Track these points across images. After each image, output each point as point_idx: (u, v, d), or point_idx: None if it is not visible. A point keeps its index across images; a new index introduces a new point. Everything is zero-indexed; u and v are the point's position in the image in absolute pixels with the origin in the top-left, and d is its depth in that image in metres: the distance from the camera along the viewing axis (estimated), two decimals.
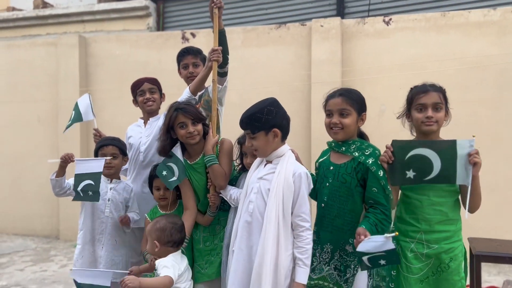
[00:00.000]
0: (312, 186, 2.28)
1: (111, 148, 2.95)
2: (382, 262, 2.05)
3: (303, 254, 2.16)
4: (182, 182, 2.66)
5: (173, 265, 2.31)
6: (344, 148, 2.28)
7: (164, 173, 2.64)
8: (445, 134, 2.29)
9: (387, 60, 5.11)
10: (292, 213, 2.18)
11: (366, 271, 2.23)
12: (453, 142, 2.09)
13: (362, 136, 2.40)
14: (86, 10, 7.06)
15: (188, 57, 3.11)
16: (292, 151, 2.55)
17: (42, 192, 6.21)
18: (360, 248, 2.01)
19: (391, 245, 1.99)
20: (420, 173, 2.12)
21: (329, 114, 2.32)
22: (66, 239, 6.08)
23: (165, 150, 2.68)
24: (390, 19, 5.19)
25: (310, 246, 2.18)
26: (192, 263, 2.72)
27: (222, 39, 2.83)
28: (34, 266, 4.97)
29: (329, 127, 2.31)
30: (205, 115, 2.97)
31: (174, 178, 2.62)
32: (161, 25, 7.07)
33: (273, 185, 2.20)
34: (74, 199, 2.80)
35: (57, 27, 7.24)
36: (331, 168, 2.31)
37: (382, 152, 2.23)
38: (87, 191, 2.75)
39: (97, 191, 2.76)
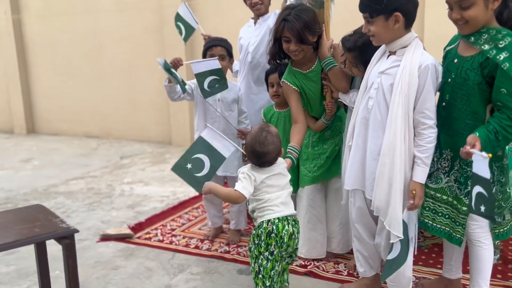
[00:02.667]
0: (440, 79, 2.06)
1: (220, 49, 3.00)
2: (482, 208, 1.70)
3: (423, 153, 2.02)
4: (290, 95, 2.54)
5: (246, 177, 2.11)
6: (473, 38, 1.91)
7: (189, 166, 2.27)
8: None
9: None
10: (414, 109, 2.01)
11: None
12: None
13: (506, 3, 1.93)
14: None
15: None
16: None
17: (154, 101, 6.64)
18: (474, 167, 1.68)
19: (484, 171, 1.63)
20: None
21: (449, 6, 1.94)
22: (177, 145, 6.52)
23: (274, 58, 2.61)
24: None
25: (432, 145, 2.03)
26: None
27: None
28: (153, 167, 5.45)
29: (453, 22, 1.97)
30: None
31: (203, 173, 2.28)
32: None
33: (397, 81, 2.00)
34: (205, 97, 2.83)
35: None
36: (455, 60, 2.00)
37: None
38: (214, 86, 2.78)
39: (224, 81, 2.80)
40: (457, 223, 2.08)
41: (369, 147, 2.16)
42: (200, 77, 2.74)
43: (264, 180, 2.14)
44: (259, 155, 2.12)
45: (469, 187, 1.98)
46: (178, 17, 3.41)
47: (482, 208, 1.73)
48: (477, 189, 1.71)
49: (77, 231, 2.01)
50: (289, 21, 2.41)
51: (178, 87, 2.94)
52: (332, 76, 2.48)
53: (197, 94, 3.06)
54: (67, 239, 1.94)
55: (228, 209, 3.48)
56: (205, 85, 2.77)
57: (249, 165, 2.20)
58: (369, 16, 2.03)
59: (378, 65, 2.16)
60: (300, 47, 2.44)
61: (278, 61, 2.64)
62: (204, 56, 3.04)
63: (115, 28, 6.83)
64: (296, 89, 2.58)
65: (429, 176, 2.12)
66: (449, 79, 2.03)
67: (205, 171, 2.30)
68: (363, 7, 2.05)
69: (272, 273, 2.14)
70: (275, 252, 2.13)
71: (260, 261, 2.14)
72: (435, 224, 2.17)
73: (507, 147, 2.07)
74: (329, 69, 2.48)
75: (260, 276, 2.14)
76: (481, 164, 1.66)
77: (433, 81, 2.02)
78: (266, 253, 2.13)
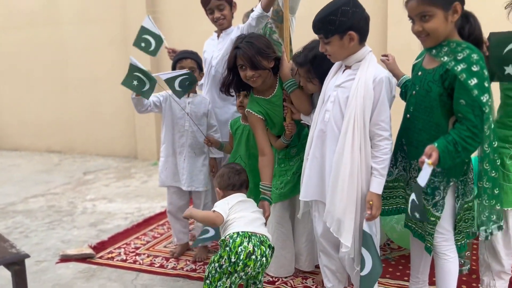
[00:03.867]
0: (394, 93, 2.10)
1: (190, 61, 2.97)
2: (417, 215, 1.86)
3: (379, 164, 2.05)
4: (256, 125, 2.54)
5: (221, 203, 2.27)
6: (434, 51, 1.94)
7: (134, 83, 2.69)
8: None
9: None
10: (370, 121, 2.04)
11: (453, 194, 2.02)
12: None
13: (467, 18, 1.97)
14: None
15: (212, 0, 2.92)
16: (387, 57, 2.37)
17: (119, 114, 6.50)
18: (419, 176, 1.78)
19: (422, 179, 1.76)
20: None
21: (411, 20, 1.97)
22: (144, 159, 6.40)
23: (223, 86, 2.56)
24: None
25: (387, 157, 2.06)
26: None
27: None
28: (118, 182, 5.31)
29: (416, 35, 1.99)
30: (275, 26, 2.83)
31: (147, 88, 2.71)
32: None
33: (352, 93, 2.03)
34: (179, 97, 2.83)
35: None
36: (420, 73, 2.04)
37: None
38: (184, 84, 2.78)
39: (194, 77, 2.84)
40: (427, 233, 2.08)
41: (328, 158, 2.17)
42: (170, 81, 2.74)
43: (236, 203, 2.26)
44: (234, 182, 2.34)
45: (436, 198, 2.00)
46: (144, 31, 3.29)
47: (417, 215, 1.85)
48: (412, 196, 1.85)
49: (27, 256, 1.89)
50: (241, 48, 2.41)
51: (145, 100, 2.88)
52: (294, 97, 2.48)
53: (165, 106, 3.01)
54: (16, 265, 1.82)
55: (194, 225, 3.40)
56: (176, 86, 2.75)
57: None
58: (324, 37, 2.07)
59: (334, 79, 2.19)
60: (256, 72, 2.42)
61: (230, 92, 2.60)
62: (174, 68, 2.99)
63: (78, 40, 6.68)
64: (262, 117, 2.55)
65: (407, 184, 2.16)
66: (414, 91, 2.05)
67: (147, 86, 2.73)
68: (317, 29, 2.08)
69: (218, 284, 2.14)
70: (223, 266, 2.11)
71: (211, 268, 2.16)
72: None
73: (473, 159, 2.10)
74: (291, 91, 2.47)
75: (208, 281, 2.17)
76: (424, 172, 1.75)
77: (387, 94, 2.05)
78: (216, 264, 2.14)
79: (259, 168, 2.56)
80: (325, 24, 2.02)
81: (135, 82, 2.71)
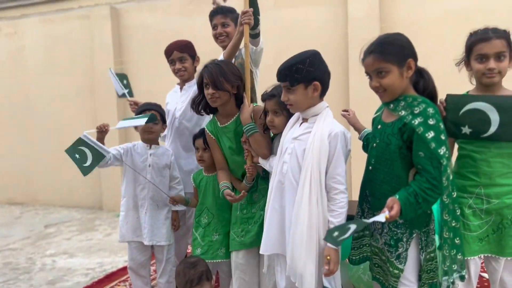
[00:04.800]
0: (350, 147, 2.14)
1: (153, 113, 2.95)
2: (334, 234, 1.79)
3: (336, 217, 2.05)
4: (211, 142, 2.65)
5: None
6: (392, 105, 2.00)
7: (77, 156, 2.65)
8: (507, 83, 2.09)
9: (429, 13, 4.81)
10: (326, 174, 2.06)
11: (417, 245, 2.02)
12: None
13: (421, 74, 2.03)
14: None
15: (217, 17, 2.99)
16: (348, 112, 2.42)
17: None
18: (370, 219, 1.82)
19: (372, 220, 1.81)
20: (476, 129, 1.96)
21: (368, 75, 2.04)
22: (109, 210, 6.21)
23: (194, 104, 2.66)
24: None
25: (344, 210, 2.07)
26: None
27: (252, 0, 2.69)
28: (80, 235, 5.11)
29: (373, 90, 2.05)
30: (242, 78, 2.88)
31: (87, 164, 2.64)
32: None
33: (309, 146, 2.07)
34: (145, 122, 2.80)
35: None
36: (379, 127, 2.08)
37: None
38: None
39: (152, 116, 2.84)
40: (390, 286, 2.04)
41: (287, 210, 2.16)
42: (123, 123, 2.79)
43: None
44: (191, 277, 2.24)
45: (400, 250, 1.98)
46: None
47: (335, 234, 1.78)
48: (349, 223, 1.82)
49: None
50: (208, 67, 2.53)
51: (106, 156, 2.80)
52: (253, 141, 2.49)
53: (126, 159, 2.95)
54: None
55: (156, 281, 3.27)
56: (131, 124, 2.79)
57: None
58: (289, 84, 2.10)
59: (292, 131, 2.22)
60: (217, 92, 2.49)
61: (200, 110, 2.68)
62: None
63: (45, 90, 6.61)
64: (213, 137, 2.64)
65: (372, 234, 2.14)
66: (374, 144, 2.09)
67: (88, 162, 2.65)
68: (283, 77, 2.12)
69: None
70: None
71: None
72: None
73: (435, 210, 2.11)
74: (250, 134, 2.49)
75: None
76: (376, 218, 1.76)
77: (343, 148, 2.09)
78: None
79: (217, 178, 2.68)
80: (292, 72, 2.07)
81: (77, 155, 2.65)
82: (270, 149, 2.51)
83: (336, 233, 1.79)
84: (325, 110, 2.15)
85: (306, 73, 2.05)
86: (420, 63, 1.99)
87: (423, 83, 2.03)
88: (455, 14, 4.67)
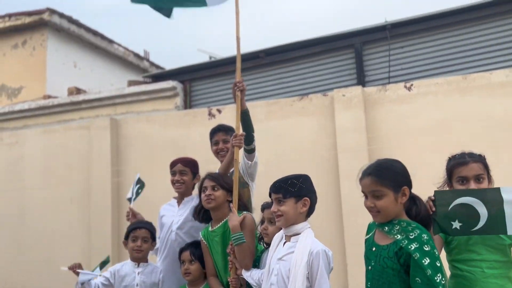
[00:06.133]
0: (332, 264, 2.22)
1: (144, 231, 3.02)
2: None
3: None
4: (203, 248, 2.79)
5: None
6: (387, 228, 2.05)
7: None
8: None
9: (413, 124, 5.10)
10: None
11: None
12: (497, 189, 2.00)
13: (414, 201, 2.12)
14: (117, 94, 7.42)
15: (219, 134, 3.24)
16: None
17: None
18: None
19: None
20: (466, 223, 2.03)
21: (364, 195, 2.12)
22: None
23: (195, 212, 2.86)
24: (412, 85, 5.25)
25: None
26: None
27: (245, 119, 2.92)
28: None
29: (367, 209, 2.14)
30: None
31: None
32: (188, 104, 7.34)
33: (292, 265, 2.18)
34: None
35: (90, 111, 7.60)
36: (374, 249, 2.11)
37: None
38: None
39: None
40: None
41: None
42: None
43: None
44: None
45: None
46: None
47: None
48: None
49: None
50: (210, 174, 2.81)
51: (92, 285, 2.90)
52: (239, 251, 2.58)
53: (115, 281, 2.97)
54: None
55: None
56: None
57: None
58: (282, 196, 2.25)
59: (276, 252, 2.34)
60: (213, 194, 2.69)
61: (201, 218, 2.87)
62: (127, 236, 3.01)
63: (39, 197, 6.67)
64: (205, 242, 2.78)
65: None
66: (369, 267, 2.11)
67: None
68: (276, 189, 2.28)
69: None
70: None
71: None
72: None
73: None
74: (237, 244, 2.58)
75: None
76: None
77: (325, 265, 2.18)
78: None
79: (208, 283, 2.78)
80: (286, 185, 2.24)
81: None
82: (252, 261, 2.61)
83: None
84: (307, 230, 2.28)
85: (299, 188, 2.23)
86: (414, 190, 2.09)
87: (415, 210, 2.11)
88: (436, 124, 4.97)
